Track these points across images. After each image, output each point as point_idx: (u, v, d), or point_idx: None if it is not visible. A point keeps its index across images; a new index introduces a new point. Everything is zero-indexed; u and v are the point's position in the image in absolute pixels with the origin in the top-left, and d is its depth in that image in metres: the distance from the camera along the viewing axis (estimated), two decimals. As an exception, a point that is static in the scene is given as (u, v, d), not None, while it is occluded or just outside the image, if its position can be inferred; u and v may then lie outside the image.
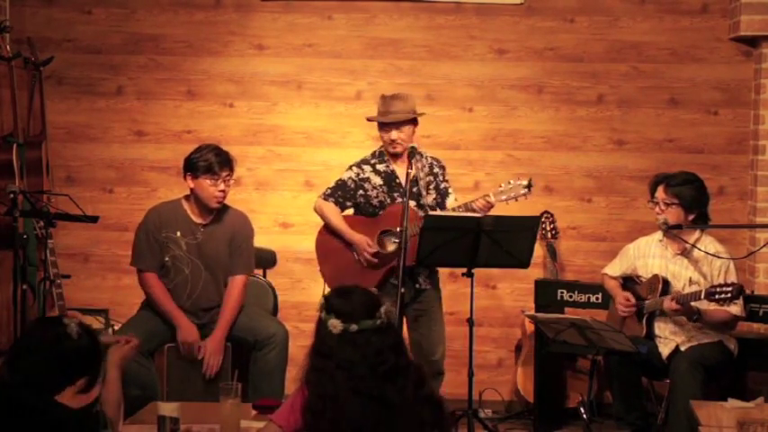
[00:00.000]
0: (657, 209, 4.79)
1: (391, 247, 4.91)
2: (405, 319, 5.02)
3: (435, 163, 5.11)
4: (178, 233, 4.83)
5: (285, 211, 6.02)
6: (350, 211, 5.13)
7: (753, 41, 5.72)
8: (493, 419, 5.58)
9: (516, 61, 5.92)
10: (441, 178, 5.09)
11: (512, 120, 5.95)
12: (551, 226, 5.76)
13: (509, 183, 4.88)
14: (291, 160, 6.01)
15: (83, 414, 3.08)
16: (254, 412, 3.80)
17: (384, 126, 4.97)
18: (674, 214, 4.76)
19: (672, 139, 5.91)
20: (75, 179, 6.01)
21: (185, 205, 4.88)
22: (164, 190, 5.91)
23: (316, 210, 5.09)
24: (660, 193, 4.78)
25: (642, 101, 5.91)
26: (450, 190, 5.11)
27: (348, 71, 5.97)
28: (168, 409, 3.34)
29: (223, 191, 4.79)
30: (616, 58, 5.89)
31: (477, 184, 5.85)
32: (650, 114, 5.91)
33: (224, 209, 4.90)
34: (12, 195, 4.79)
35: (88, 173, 6.04)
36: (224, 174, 4.78)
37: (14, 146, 5.22)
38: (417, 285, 5.03)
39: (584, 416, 4.62)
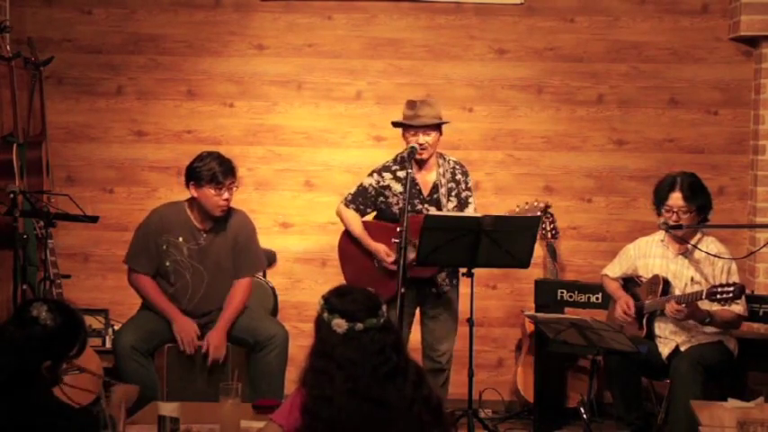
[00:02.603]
0: (674, 217, 4.75)
1: (411, 255, 4.77)
2: (418, 314, 5.07)
3: (458, 168, 5.08)
4: (180, 238, 4.82)
5: (285, 211, 6.02)
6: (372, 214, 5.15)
7: (753, 41, 5.72)
8: (493, 419, 5.58)
9: (516, 61, 5.92)
10: (463, 186, 5.06)
11: (512, 120, 5.95)
12: (551, 226, 5.75)
13: (525, 204, 4.92)
14: (291, 160, 6.01)
15: (83, 414, 3.09)
16: (254, 412, 3.80)
17: (411, 129, 4.94)
18: (688, 220, 4.75)
19: (672, 139, 5.91)
20: (76, 179, 6.01)
21: (189, 210, 4.86)
22: (164, 190, 5.91)
23: (337, 214, 5.13)
24: (677, 200, 4.72)
25: (642, 101, 5.91)
26: (470, 200, 5.07)
27: (348, 71, 5.97)
28: (168, 409, 3.34)
29: (227, 199, 4.78)
30: (616, 58, 5.89)
31: (478, 184, 5.85)
32: (650, 114, 5.91)
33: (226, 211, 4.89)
34: (12, 195, 4.80)
35: (88, 173, 6.04)
36: (228, 182, 4.76)
37: (14, 146, 5.22)
38: (434, 290, 5.02)
39: (584, 416, 4.62)
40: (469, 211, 5.00)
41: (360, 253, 5.04)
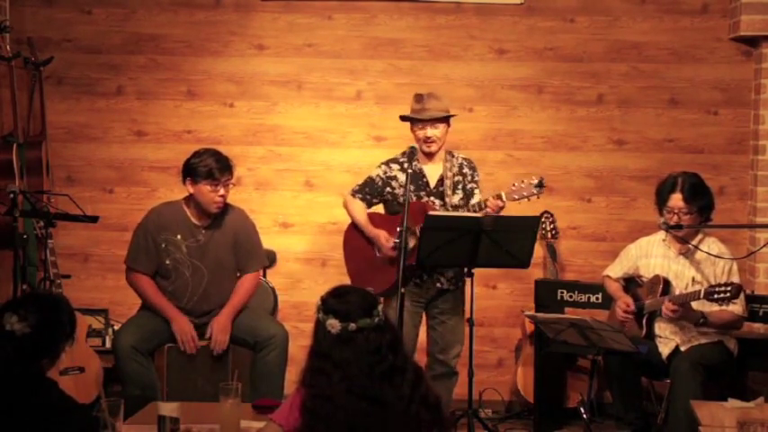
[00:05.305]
0: (675, 218, 4.75)
1: (411, 243, 4.82)
2: (425, 317, 5.05)
3: (466, 163, 5.10)
4: (178, 236, 4.83)
5: (285, 211, 6.02)
6: (381, 209, 5.14)
7: (753, 41, 5.72)
8: (493, 419, 5.59)
9: (516, 61, 5.92)
10: (469, 179, 5.07)
11: (512, 120, 5.95)
12: (551, 226, 5.76)
13: (522, 182, 4.84)
14: (291, 160, 6.01)
15: (86, 411, 3.09)
16: (254, 412, 3.80)
17: (419, 123, 4.94)
18: (690, 220, 4.74)
19: (672, 139, 5.91)
20: (76, 179, 6.01)
21: (186, 207, 4.87)
22: (164, 190, 5.92)
23: (344, 205, 5.13)
24: (678, 201, 4.72)
25: (642, 101, 5.91)
26: (476, 191, 5.07)
27: (348, 71, 5.97)
28: (168, 409, 3.34)
29: (223, 196, 4.80)
30: (616, 58, 5.89)
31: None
32: (650, 114, 5.91)
33: (223, 208, 4.89)
34: (12, 195, 4.80)
35: (88, 173, 6.04)
36: (224, 179, 4.78)
37: (14, 146, 5.23)
38: (439, 285, 5.01)
39: (585, 416, 4.62)
40: (474, 201, 4.98)
41: (362, 245, 5.04)
